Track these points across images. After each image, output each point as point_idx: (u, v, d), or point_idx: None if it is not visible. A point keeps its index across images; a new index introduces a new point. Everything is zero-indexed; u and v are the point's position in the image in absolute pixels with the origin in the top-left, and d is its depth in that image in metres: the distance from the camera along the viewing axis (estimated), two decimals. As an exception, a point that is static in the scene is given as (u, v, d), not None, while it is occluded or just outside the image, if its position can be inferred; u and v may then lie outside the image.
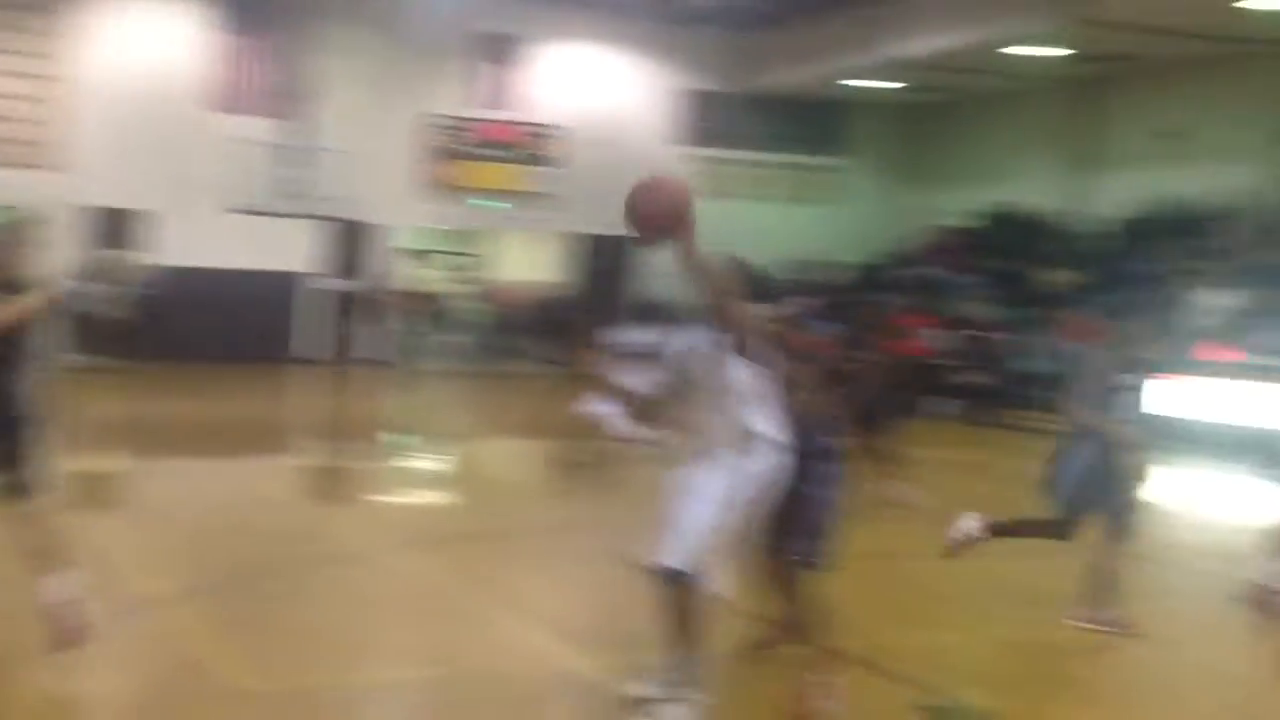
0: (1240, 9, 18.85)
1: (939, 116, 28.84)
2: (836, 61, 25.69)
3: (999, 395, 20.39)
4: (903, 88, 27.20)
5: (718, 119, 28.80)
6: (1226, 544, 11.30)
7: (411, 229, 28.91)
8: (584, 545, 9.46)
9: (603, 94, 27.69)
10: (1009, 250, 25.21)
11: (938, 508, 10.99)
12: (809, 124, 29.37)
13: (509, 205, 27.25)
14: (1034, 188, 25.95)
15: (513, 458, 16.22)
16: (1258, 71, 21.54)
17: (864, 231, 28.83)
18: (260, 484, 12.21)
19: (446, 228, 29.05)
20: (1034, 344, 21.09)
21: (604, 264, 28.21)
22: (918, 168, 29.98)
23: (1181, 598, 9.02)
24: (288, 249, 24.84)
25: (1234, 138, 22.03)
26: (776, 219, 28.94)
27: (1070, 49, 22.35)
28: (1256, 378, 16.62)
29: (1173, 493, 15.07)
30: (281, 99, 24.80)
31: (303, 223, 24.52)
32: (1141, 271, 21.66)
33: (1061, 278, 23.02)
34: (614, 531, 9.58)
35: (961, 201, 27.41)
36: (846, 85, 26.97)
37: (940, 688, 6.14)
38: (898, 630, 7.44)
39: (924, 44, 23.37)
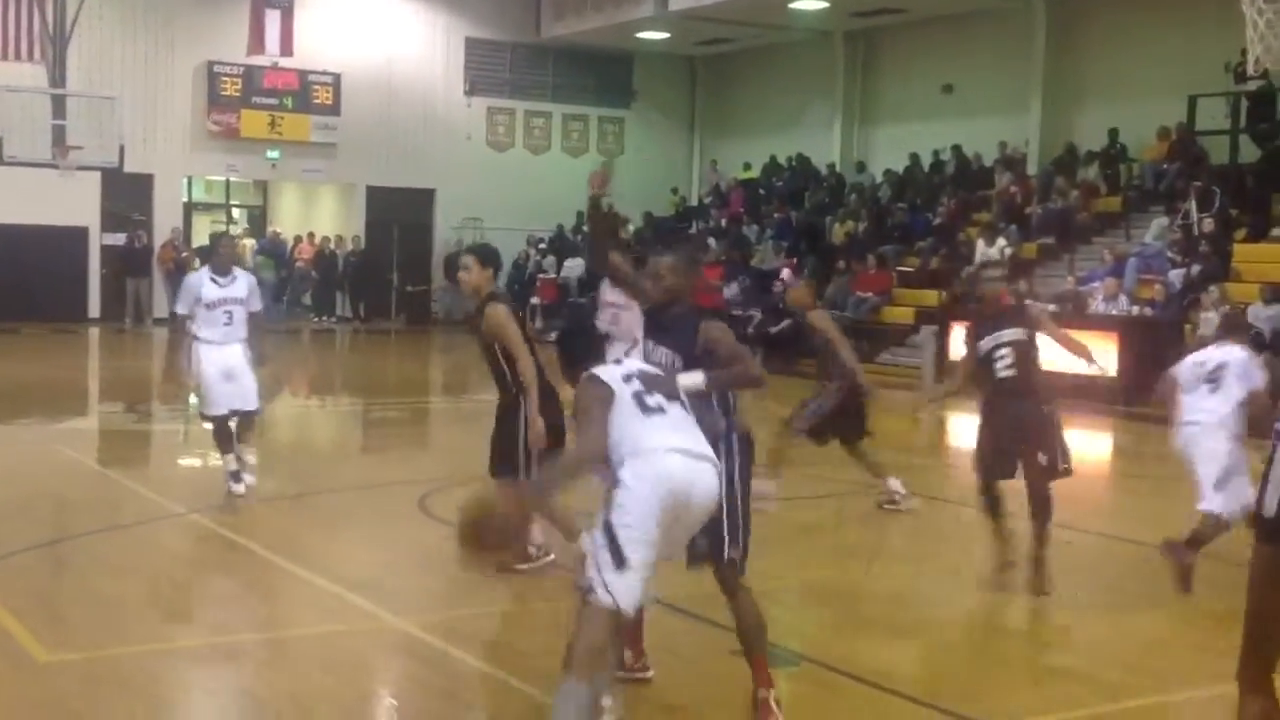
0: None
1: (723, 69, 29.23)
2: (622, 13, 25.69)
3: (791, 344, 20.85)
4: (687, 40, 27.41)
5: (503, 68, 28.49)
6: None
7: (195, 180, 27.76)
8: (390, 504, 9.26)
9: (386, 42, 27.00)
10: (794, 200, 25.80)
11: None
12: (594, 75, 29.35)
13: (293, 156, 26.34)
14: (816, 139, 26.59)
15: (309, 416, 15.77)
16: (1019, 25, 22.50)
17: (650, 182, 29.03)
18: (54, 450, 11.53)
19: (231, 179, 27.98)
20: (829, 293, 21.64)
21: (390, 216, 27.66)
22: (703, 119, 30.35)
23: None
24: (76, 204, 23.47)
25: (999, 89, 23.01)
26: (561, 170, 28.90)
27: (837, 2, 22.87)
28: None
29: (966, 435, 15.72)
30: (52, 46, 23.31)
31: (88, 177, 23.15)
32: (920, 222, 22.50)
33: (845, 227, 23.68)
34: (421, 489, 9.43)
35: (747, 153, 27.88)
36: (632, 37, 27.02)
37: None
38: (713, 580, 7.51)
39: (707, -4, 23.61)
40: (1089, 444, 14.73)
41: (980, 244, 20.25)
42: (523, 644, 6.03)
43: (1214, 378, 7.07)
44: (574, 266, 26.93)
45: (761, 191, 27.05)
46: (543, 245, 28.13)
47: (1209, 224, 17.45)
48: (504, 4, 27.94)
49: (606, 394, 4.38)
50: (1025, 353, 7.17)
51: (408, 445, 13.12)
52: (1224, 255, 16.78)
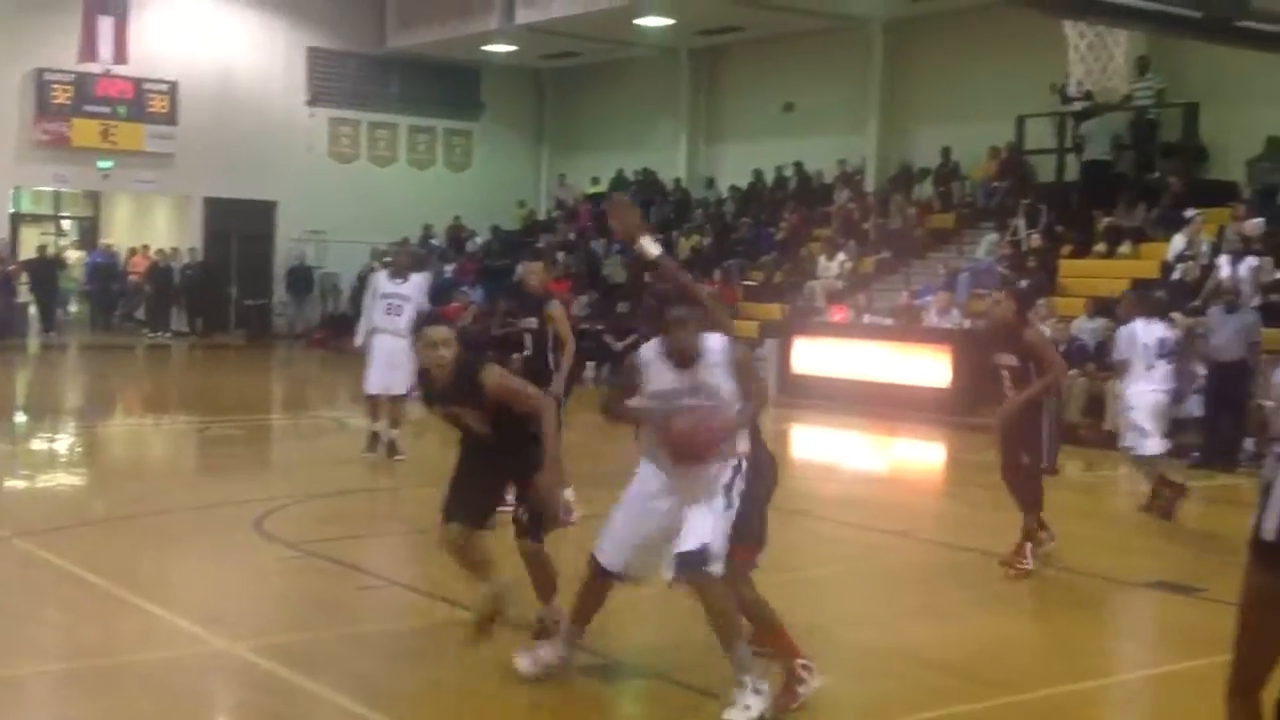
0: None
1: (571, 83, 29.29)
2: (468, 25, 25.56)
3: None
4: (534, 53, 27.40)
5: (346, 79, 28.08)
6: (850, 494, 12.14)
7: (23, 191, 26.71)
8: (225, 525, 9.02)
9: (224, 50, 26.38)
10: (643, 215, 25.93)
11: (590, 472, 11.20)
12: (441, 87, 29.12)
13: (127, 166, 25.53)
14: (663, 154, 26.83)
15: (142, 435, 15.27)
16: (857, 46, 23.07)
17: (497, 196, 28.95)
18: None
19: (61, 190, 26.98)
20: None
21: (229, 228, 27.01)
22: (551, 133, 30.36)
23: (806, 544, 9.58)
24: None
25: (838, 108, 23.55)
26: (407, 182, 28.63)
27: (680, 18, 23.15)
28: (870, 336, 17.85)
29: (806, 446, 16.04)
30: None
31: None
32: (764, 237, 22.87)
33: (691, 242, 23.94)
34: (258, 509, 9.22)
35: (595, 167, 27.98)
36: (479, 49, 26.90)
37: (599, 649, 6.23)
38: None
39: (552, 9, 23.64)
40: (923, 453, 15.18)
41: (821, 259, 20.69)
42: (363, 667, 5.93)
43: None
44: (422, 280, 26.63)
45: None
46: (388, 259, 27.73)
47: (1036, 240, 18.11)
48: (348, 14, 27.55)
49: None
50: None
51: (245, 464, 12.79)
52: (1051, 270, 17.42)
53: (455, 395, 5.64)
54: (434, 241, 28.36)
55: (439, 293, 25.99)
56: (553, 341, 9.26)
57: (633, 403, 5.35)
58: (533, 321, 9.28)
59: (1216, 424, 12.77)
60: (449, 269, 27.11)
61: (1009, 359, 8.03)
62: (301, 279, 27.32)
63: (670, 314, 5.22)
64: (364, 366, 11.73)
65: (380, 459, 11.54)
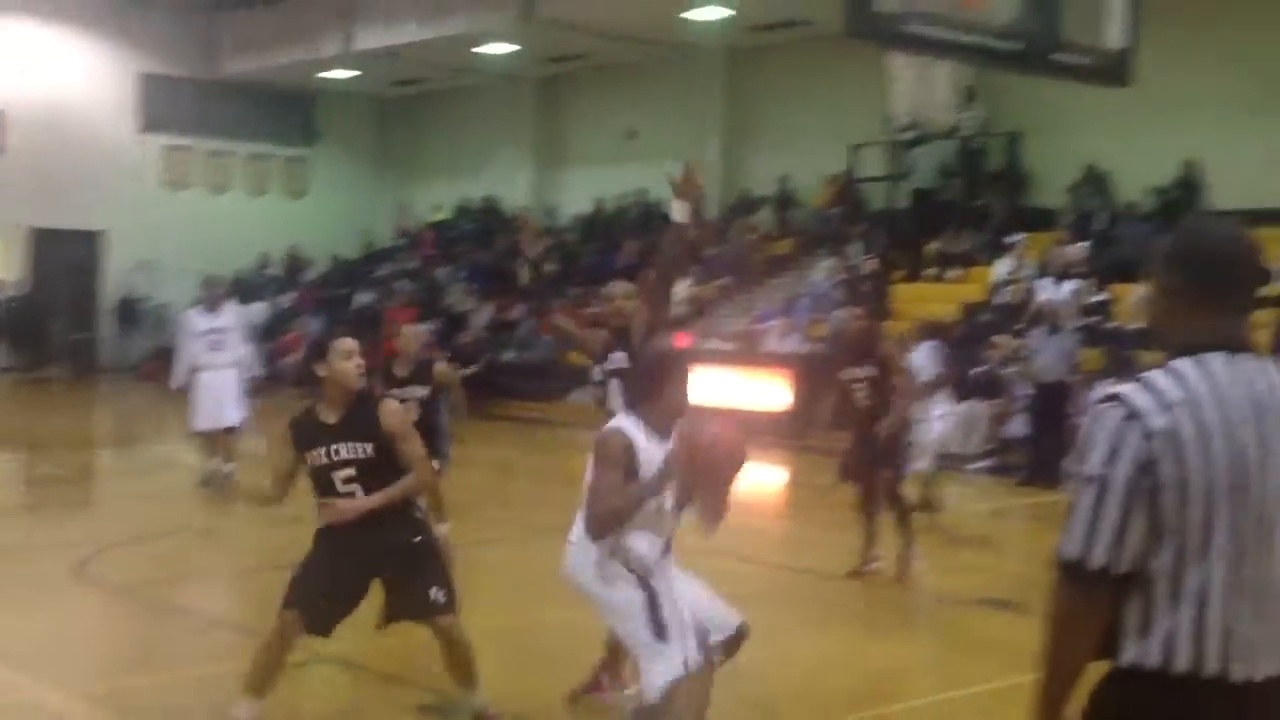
0: (684, 18, 20.43)
1: (412, 110, 29.05)
2: (306, 51, 25.17)
3: (485, 386, 20.85)
4: (375, 79, 27.12)
5: (179, 105, 27.37)
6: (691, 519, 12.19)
7: None
8: (47, 568, 8.65)
9: (53, 77, 25.47)
10: (485, 243, 25.88)
11: (454, 504, 11.04)
12: (277, 113, 28.58)
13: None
14: (507, 181, 26.79)
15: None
16: (697, 75, 23.41)
17: (337, 225, 28.52)
18: None
19: None
20: (518, 335, 21.79)
21: (55, 259, 26.04)
22: (392, 160, 30.06)
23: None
24: None
25: (680, 136, 23.83)
26: (242, 211, 28.02)
27: (522, 45, 23.21)
28: (712, 361, 18.03)
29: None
30: None
31: None
32: (607, 264, 22.97)
33: (535, 270, 23.89)
34: (82, 551, 8.86)
35: (438, 195, 27.79)
36: (317, 75, 26.50)
37: (438, 686, 6.14)
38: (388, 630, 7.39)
39: (392, 36, 23.44)
40: (764, 476, 15.39)
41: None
42: (191, 713, 5.74)
43: None
44: (256, 310, 26.07)
45: (452, 234, 27.02)
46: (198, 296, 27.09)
47: (870, 266, 18.58)
48: (181, 40, 26.87)
49: None
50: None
51: (68, 504, 12.30)
52: (883, 295, 17.89)
53: (346, 430, 5.03)
54: (269, 271, 27.79)
55: (275, 323, 25.49)
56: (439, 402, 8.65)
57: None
58: (420, 390, 8.39)
59: (1040, 443, 13.22)
60: (286, 299, 26.61)
61: (866, 371, 8.36)
62: (131, 310, 26.48)
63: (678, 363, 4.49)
64: (189, 404, 11.47)
65: (216, 495, 11.23)
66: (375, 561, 5.09)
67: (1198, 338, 2.38)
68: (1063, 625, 2.36)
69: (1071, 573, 2.33)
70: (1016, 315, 15.43)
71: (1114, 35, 6.68)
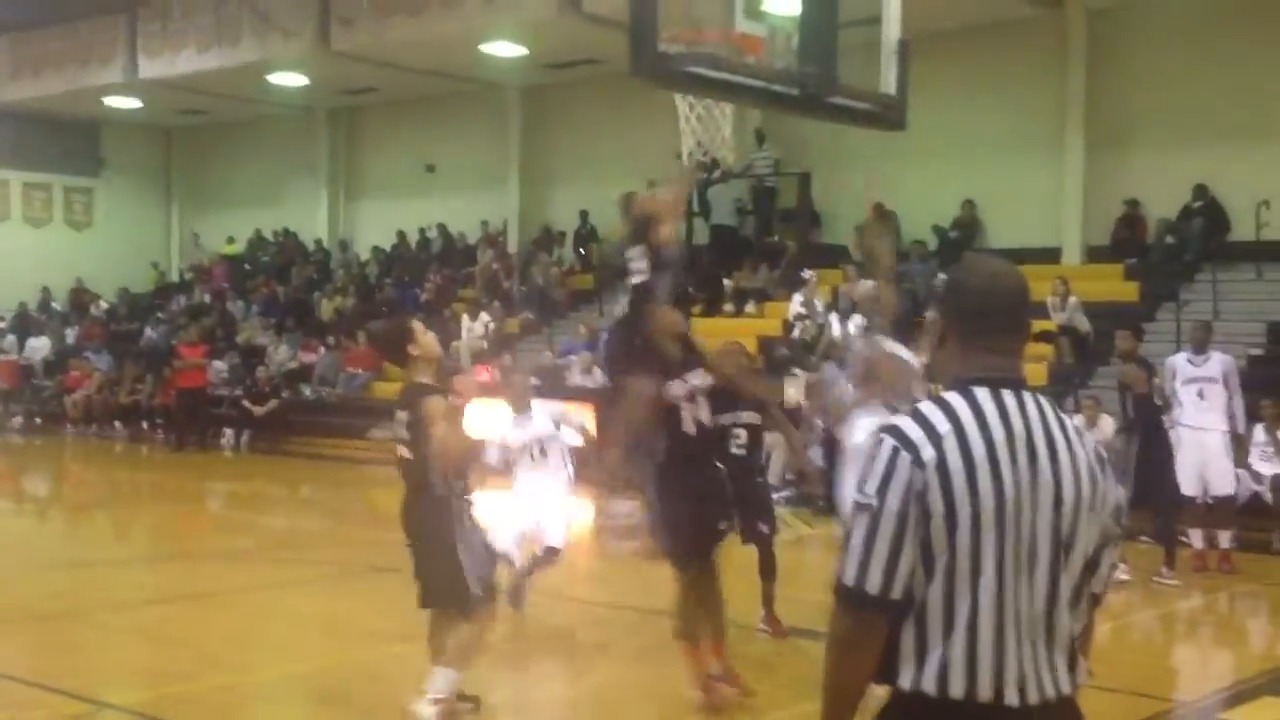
0: (483, 52, 20.47)
1: (202, 139, 28.26)
2: (88, 77, 24.21)
3: (284, 423, 20.37)
4: (162, 108, 26.27)
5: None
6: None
7: None
8: None
9: None
10: (281, 276, 25.33)
11: (252, 545, 10.79)
12: (58, 141, 27.40)
13: None
14: (303, 213, 26.28)
15: None
16: (494, 108, 23.45)
17: (126, 256, 27.50)
18: None
19: None
20: (319, 371, 21.35)
21: None
22: (183, 191, 29.16)
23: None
24: None
25: (479, 169, 23.84)
26: (22, 242, 26.75)
27: (315, 77, 22.87)
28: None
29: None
30: None
31: None
32: (408, 297, 22.76)
33: (334, 304, 23.52)
34: None
35: (231, 227, 27.08)
36: (100, 102, 25.51)
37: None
38: (184, 677, 7.18)
39: (181, 65, 22.78)
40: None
41: (465, 319, 20.78)
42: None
43: None
44: (38, 346, 24.91)
45: (247, 266, 26.35)
46: (2, 324, 25.87)
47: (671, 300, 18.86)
48: (-49, 62, 25.55)
49: None
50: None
51: None
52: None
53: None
54: (55, 305, 26.62)
55: (59, 359, 24.39)
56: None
57: None
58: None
59: (833, 473, 13.60)
60: (71, 333, 25.51)
61: (748, 417, 7.66)
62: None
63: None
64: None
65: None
66: None
67: (968, 372, 2.50)
68: (841, 649, 2.45)
69: (848, 598, 2.42)
70: (810, 349, 15.90)
71: (888, 80, 7.00)
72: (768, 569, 7.96)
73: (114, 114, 26.49)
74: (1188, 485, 10.34)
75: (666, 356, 6.40)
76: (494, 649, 6.63)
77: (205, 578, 9.84)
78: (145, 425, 21.76)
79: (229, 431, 20.49)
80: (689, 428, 6.34)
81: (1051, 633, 2.45)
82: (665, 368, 6.37)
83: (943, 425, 2.41)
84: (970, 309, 2.53)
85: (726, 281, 18.97)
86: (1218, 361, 10.66)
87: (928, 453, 2.39)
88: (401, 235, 24.57)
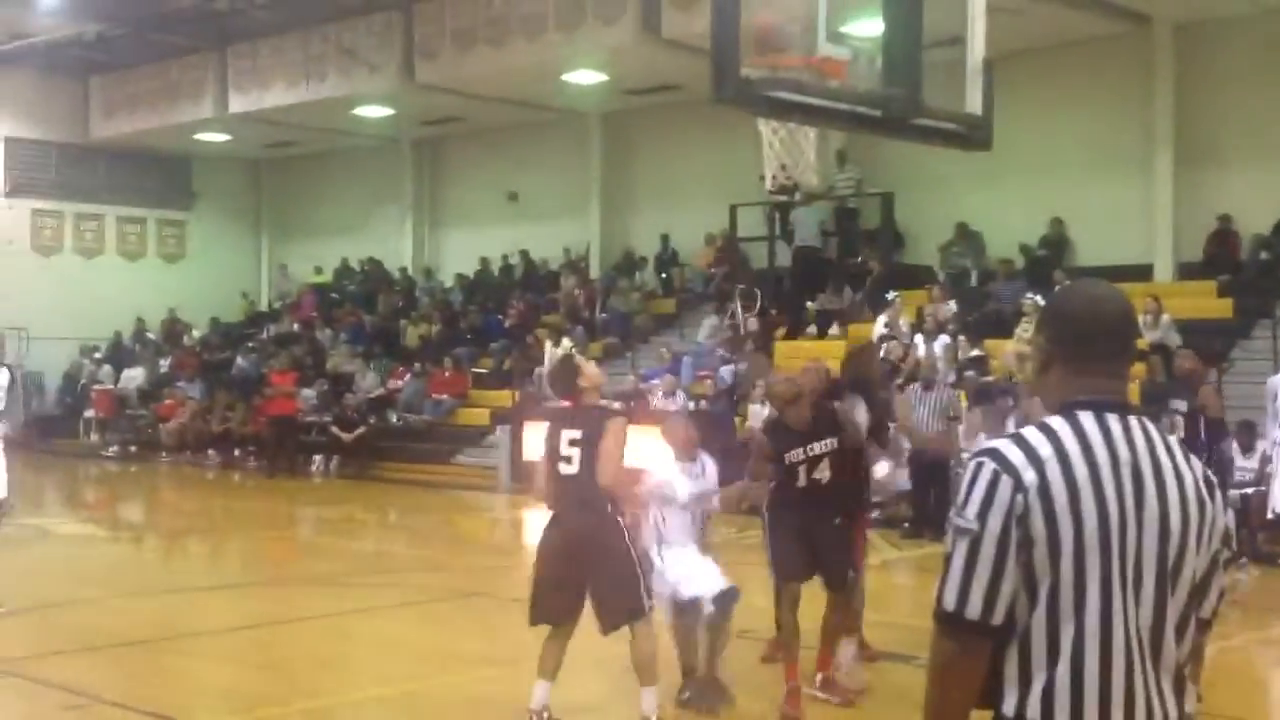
0: (565, 81, 20.67)
1: (290, 171, 28.82)
2: (179, 114, 24.85)
3: (372, 449, 20.63)
4: (251, 142, 26.85)
5: (48, 169, 26.81)
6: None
7: None
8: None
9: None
10: (367, 304, 25.70)
11: (341, 570, 10.92)
12: (151, 176, 28.14)
13: None
14: (388, 243, 26.67)
15: None
16: (576, 136, 23.63)
17: (217, 287, 28.10)
18: None
19: None
20: (405, 397, 21.60)
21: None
22: (271, 222, 29.75)
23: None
24: None
25: (561, 196, 24.03)
26: (116, 274, 27.46)
27: (400, 109, 23.20)
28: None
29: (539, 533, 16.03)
30: None
31: None
32: (492, 324, 22.97)
33: (419, 330, 23.80)
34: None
35: (318, 256, 27.55)
36: (190, 137, 26.15)
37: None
38: (288, 700, 7.27)
39: (269, 99, 23.28)
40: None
41: (548, 344, 20.91)
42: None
43: None
44: (133, 376, 25.50)
45: (334, 295, 26.78)
46: (98, 354, 26.54)
47: (753, 323, 18.85)
48: (48, 102, 26.33)
49: None
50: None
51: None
52: (768, 352, 18.15)
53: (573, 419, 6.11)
54: (149, 335, 27.25)
55: (153, 388, 24.95)
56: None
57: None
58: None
59: (923, 495, 13.49)
60: (164, 363, 26.08)
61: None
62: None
63: None
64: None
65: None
66: None
67: (1072, 395, 2.46)
68: (942, 675, 2.43)
69: (949, 624, 2.39)
70: (896, 371, 15.76)
71: (973, 100, 6.93)
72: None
73: (205, 148, 27.14)
74: None
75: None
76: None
77: (295, 603, 9.96)
78: (237, 453, 22.13)
79: (318, 458, 20.78)
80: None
81: (1158, 659, 2.40)
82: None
83: (1044, 449, 2.38)
84: (1073, 334, 2.50)
85: (810, 304, 18.88)
86: None
87: (1029, 476, 2.35)
88: (484, 262, 24.82)
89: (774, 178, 7.80)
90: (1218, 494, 2.48)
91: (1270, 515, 10.38)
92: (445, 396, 21.14)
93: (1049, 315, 2.58)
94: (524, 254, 24.30)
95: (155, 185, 28.20)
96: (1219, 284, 16.44)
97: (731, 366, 18.05)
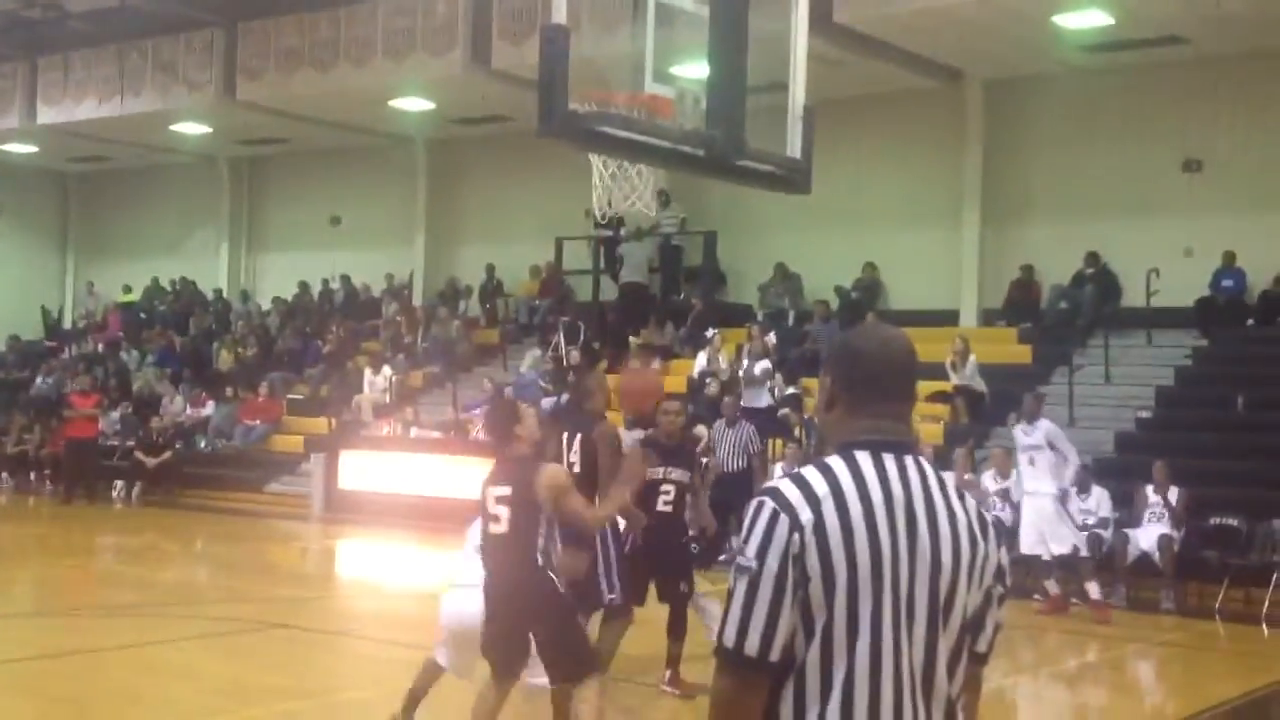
0: (392, 107, 20.46)
1: (100, 187, 27.77)
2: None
3: (175, 474, 19.94)
4: (59, 155, 25.78)
5: None
6: (402, 612, 12.02)
7: None
8: None
9: None
10: (179, 325, 24.90)
11: (142, 600, 10.52)
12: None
13: None
14: (203, 264, 25.90)
15: None
16: (402, 163, 23.37)
17: (17, 303, 26.84)
18: None
19: None
20: (216, 422, 20.96)
21: None
22: (77, 238, 28.59)
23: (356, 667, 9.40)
24: None
25: (385, 222, 23.74)
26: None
27: (218, 127, 22.65)
28: (418, 449, 17.91)
29: (351, 563, 15.74)
30: None
31: None
32: (310, 349, 22.50)
33: (231, 353, 23.17)
34: None
35: (129, 275, 26.58)
36: (-7, 147, 24.98)
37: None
38: None
39: (81, 112, 22.43)
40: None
41: (368, 372, 20.59)
42: None
43: None
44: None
45: (143, 315, 25.86)
46: None
47: (575, 355, 18.91)
48: None
49: None
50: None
51: None
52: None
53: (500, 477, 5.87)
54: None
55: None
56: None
57: None
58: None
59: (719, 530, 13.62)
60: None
61: (678, 474, 7.70)
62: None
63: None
64: None
65: None
66: None
67: (852, 435, 2.53)
68: (723, 712, 2.46)
69: (728, 661, 2.42)
70: (716, 407, 15.98)
71: (794, 145, 7.12)
72: (678, 628, 7.80)
73: (9, 159, 25.93)
74: (1029, 545, 11.21)
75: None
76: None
77: (90, 634, 9.55)
78: (33, 476, 21.16)
79: (120, 484, 20.00)
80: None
81: (930, 693, 2.46)
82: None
83: (821, 488, 2.42)
84: (862, 374, 2.55)
85: (633, 338, 19.04)
86: (1043, 429, 11.37)
87: (805, 515, 2.39)
88: (304, 286, 24.32)
89: (602, 211, 7.87)
90: (990, 532, 2.57)
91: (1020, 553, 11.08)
92: (258, 422, 20.60)
93: (839, 355, 2.63)
94: (345, 279, 23.90)
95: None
96: (1020, 331, 17.19)
97: (554, 398, 18.04)
